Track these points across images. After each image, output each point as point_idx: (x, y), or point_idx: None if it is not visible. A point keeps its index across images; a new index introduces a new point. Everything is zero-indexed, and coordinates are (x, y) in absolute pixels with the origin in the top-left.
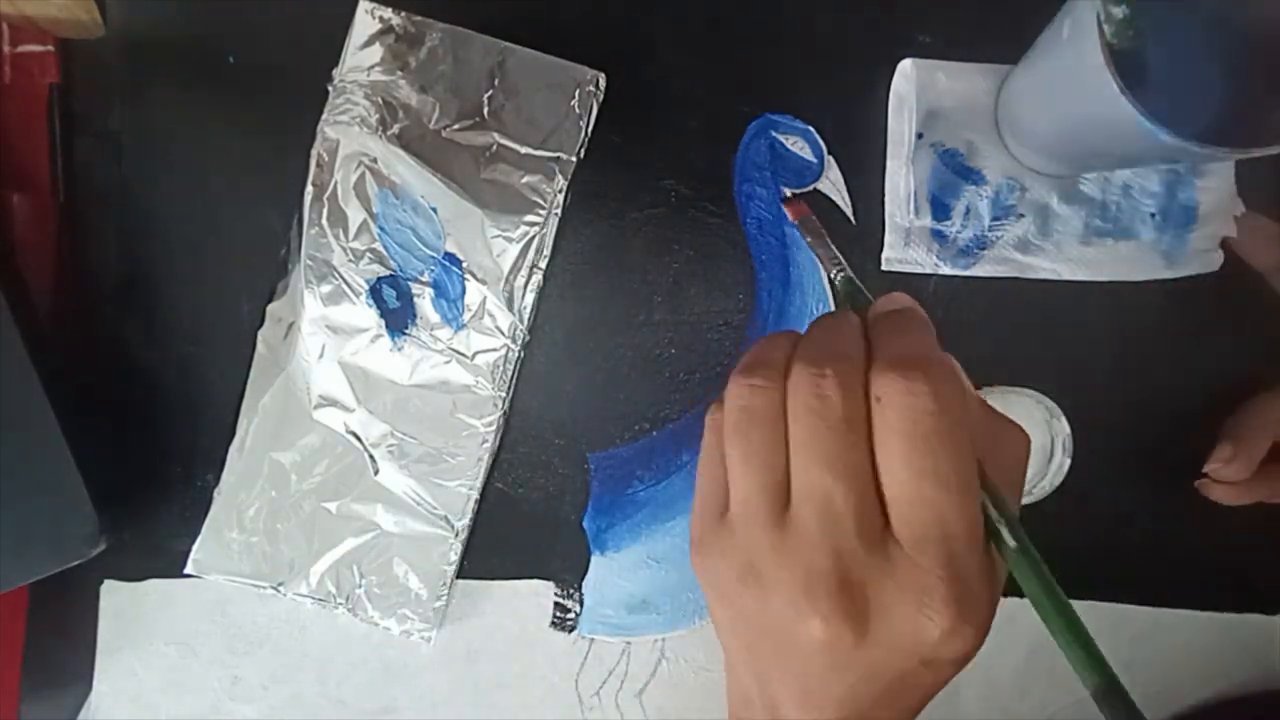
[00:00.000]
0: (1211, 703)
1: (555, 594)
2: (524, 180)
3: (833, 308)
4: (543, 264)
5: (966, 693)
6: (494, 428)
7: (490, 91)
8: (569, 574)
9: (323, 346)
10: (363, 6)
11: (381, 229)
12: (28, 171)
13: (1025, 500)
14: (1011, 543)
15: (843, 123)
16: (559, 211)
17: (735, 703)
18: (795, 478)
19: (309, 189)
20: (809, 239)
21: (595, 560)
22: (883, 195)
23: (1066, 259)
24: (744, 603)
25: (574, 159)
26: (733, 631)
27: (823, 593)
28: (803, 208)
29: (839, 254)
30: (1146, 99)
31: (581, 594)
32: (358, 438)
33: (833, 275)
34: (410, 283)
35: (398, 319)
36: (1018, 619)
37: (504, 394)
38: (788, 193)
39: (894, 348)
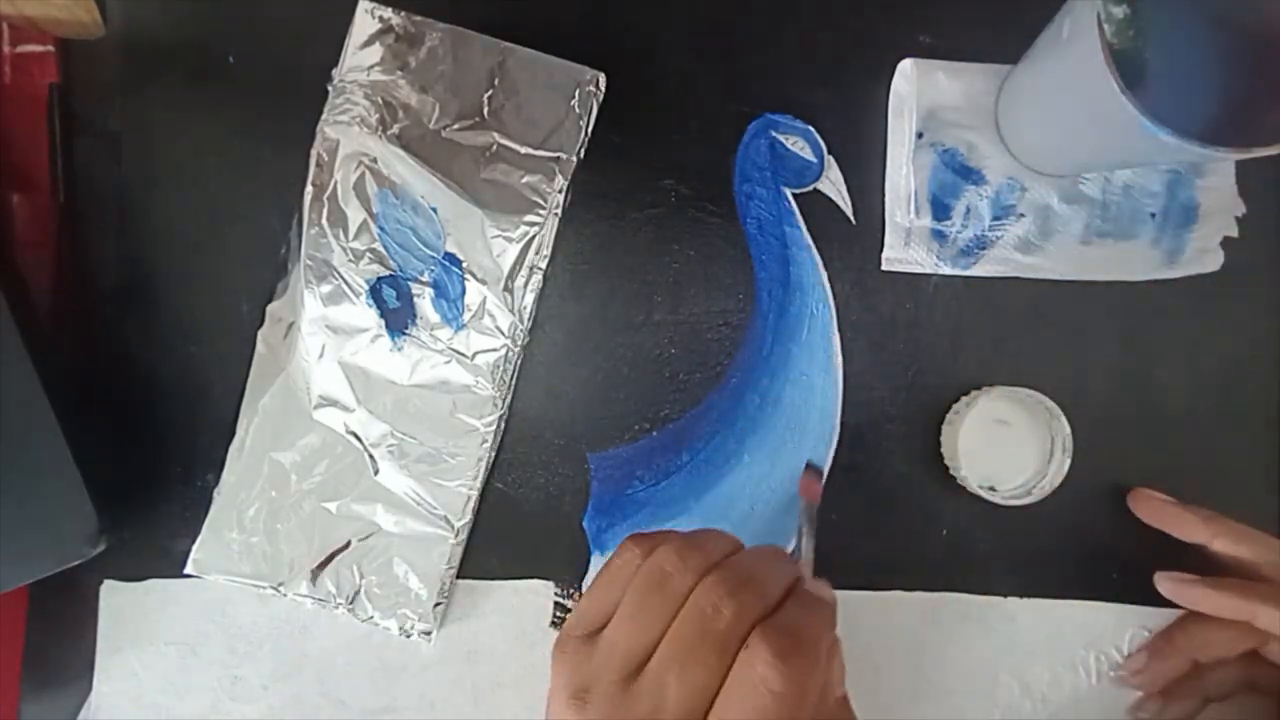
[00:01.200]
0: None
1: (555, 594)
2: (524, 180)
3: (833, 308)
4: (543, 264)
5: (966, 692)
6: (494, 428)
7: (490, 91)
8: (569, 574)
9: (323, 346)
10: (362, 6)
11: (381, 229)
12: (28, 171)
13: (1026, 500)
14: None
15: (843, 122)
16: (559, 211)
17: None
18: (657, 658)
19: (309, 189)
20: (802, 520)
21: (595, 560)
22: (883, 195)
23: (1067, 259)
24: (564, 713)
25: (574, 159)
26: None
27: None
28: (815, 490)
29: (813, 546)
30: (1146, 99)
31: (581, 594)
32: (358, 438)
33: (802, 546)
34: (410, 283)
35: (398, 319)
36: (1018, 619)
37: (504, 394)
38: (816, 475)
39: (793, 617)
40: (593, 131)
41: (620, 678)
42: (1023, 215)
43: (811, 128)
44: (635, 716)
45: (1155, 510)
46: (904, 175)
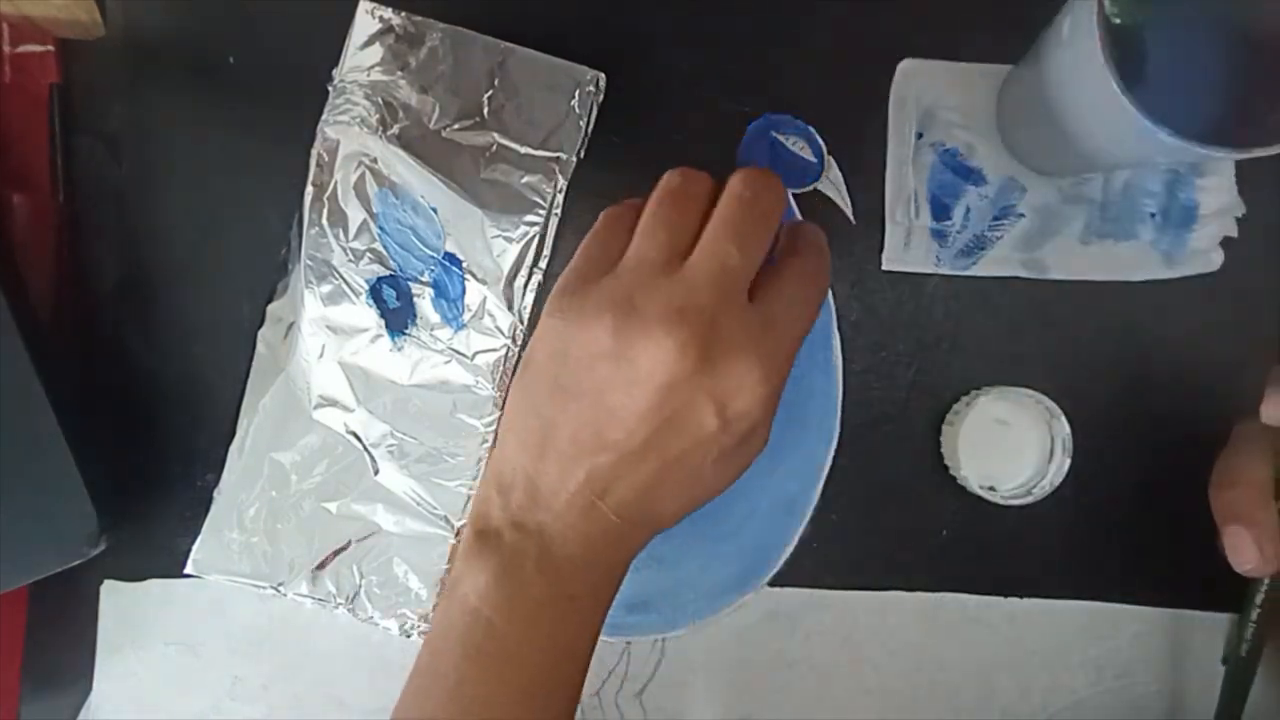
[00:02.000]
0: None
1: None
2: (524, 180)
3: (833, 308)
4: (543, 264)
5: (966, 693)
6: (494, 428)
7: (490, 91)
8: None
9: (323, 346)
10: (363, 6)
11: (381, 229)
12: (28, 171)
13: (1026, 500)
14: None
15: (843, 122)
16: (559, 211)
17: (488, 491)
18: (703, 244)
19: (309, 189)
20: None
21: None
22: (883, 195)
23: (1066, 259)
24: (591, 333)
25: (574, 159)
26: (546, 367)
27: (692, 319)
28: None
29: None
30: (1146, 99)
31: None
32: (358, 438)
33: None
34: (410, 283)
35: (398, 319)
36: (1018, 619)
37: (504, 394)
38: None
39: (811, 234)
40: (593, 132)
41: (665, 269)
42: (1022, 215)
43: (811, 128)
44: (698, 287)
45: None
46: (904, 175)
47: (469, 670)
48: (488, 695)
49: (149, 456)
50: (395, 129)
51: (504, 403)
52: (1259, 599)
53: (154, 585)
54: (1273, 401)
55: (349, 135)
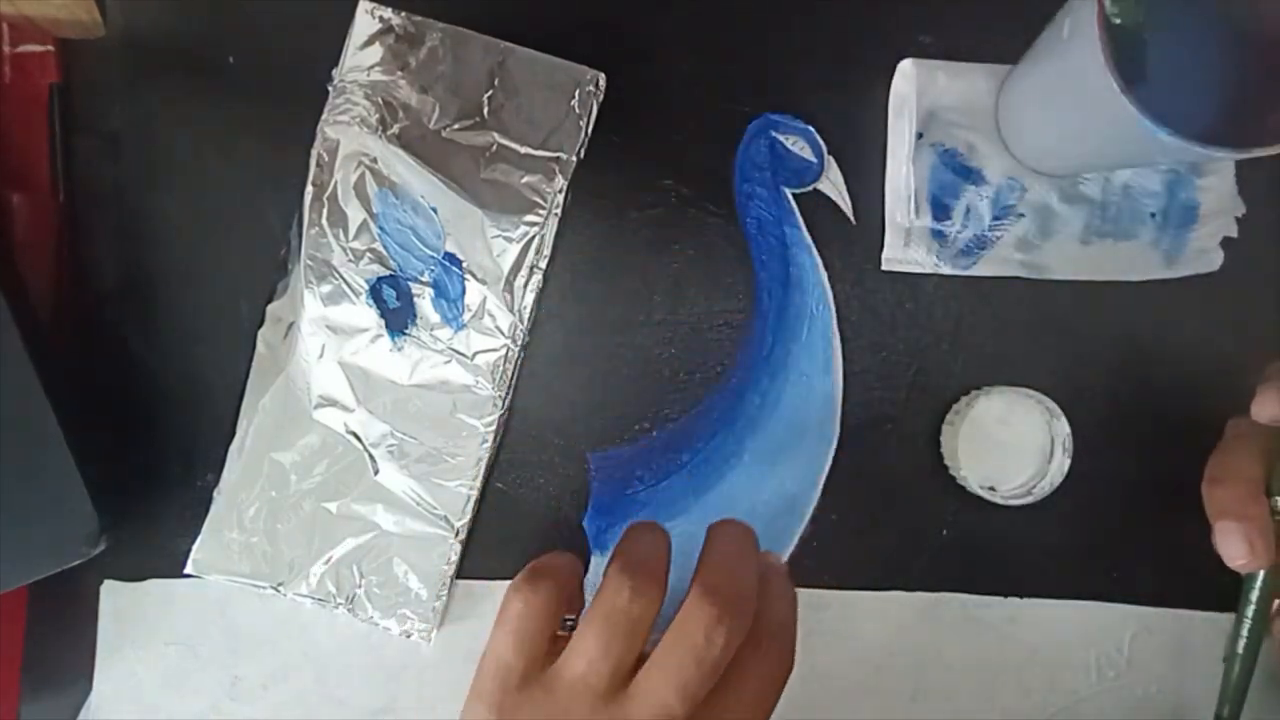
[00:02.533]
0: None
1: None
2: (524, 180)
3: (833, 308)
4: (543, 264)
5: (966, 693)
6: (494, 428)
7: (490, 91)
8: None
9: (323, 346)
10: (363, 6)
11: (381, 229)
12: (27, 171)
13: (1026, 500)
14: None
15: (843, 123)
16: (559, 211)
17: None
18: (644, 685)
19: (309, 189)
20: None
21: (595, 560)
22: (883, 195)
23: (1066, 259)
24: None
25: (574, 159)
26: None
27: None
28: None
29: None
30: (1146, 99)
31: (581, 594)
32: (358, 438)
33: None
34: (410, 283)
35: (398, 319)
36: (1018, 619)
37: (504, 394)
38: None
39: (775, 613)
40: (593, 131)
41: (606, 699)
42: (1022, 215)
43: (811, 128)
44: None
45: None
46: (904, 175)
47: None
48: None
49: (149, 456)
50: (395, 129)
51: None
52: (1254, 595)
53: (154, 585)
54: (1263, 399)
55: (349, 135)
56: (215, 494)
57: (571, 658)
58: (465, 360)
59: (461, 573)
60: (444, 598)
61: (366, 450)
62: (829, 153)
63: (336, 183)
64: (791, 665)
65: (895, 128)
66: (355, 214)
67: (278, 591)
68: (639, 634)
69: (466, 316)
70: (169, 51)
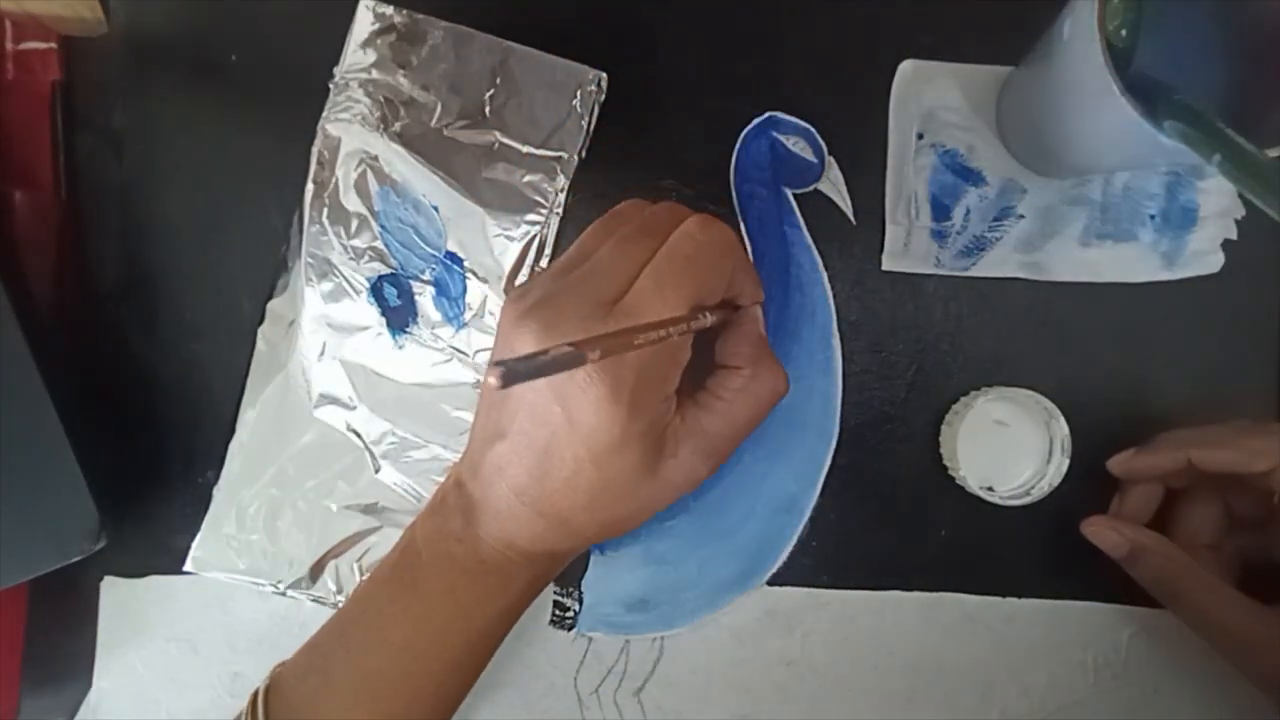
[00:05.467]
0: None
1: (554, 592)
2: (525, 179)
3: (833, 308)
4: (544, 263)
5: (965, 692)
6: None
7: (492, 90)
8: (568, 572)
9: (323, 344)
10: (364, 4)
11: (383, 227)
12: (30, 168)
13: (1025, 501)
14: None
15: (844, 123)
16: (560, 210)
17: (469, 444)
18: (636, 289)
19: (310, 186)
20: None
21: (595, 559)
22: (883, 195)
23: (1066, 260)
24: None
25: (575, 158)
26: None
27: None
28: None
29: None
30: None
31: (580, 592)
32: (358, 435)
33: None
34: (411, 281)
35: (399, 317)
36: (1017, 619)
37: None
38: None
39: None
40: (594, 131)
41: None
42: (1022, 216)
43: (812, 128)
44: (565, 283)
45: (1127, 467)
46: (904, 176)
47: (383, 589)
48: (392, 615)
49: (149, 453)
50: (396, 127)
51: None
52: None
53: (154, 582)
54: (1130, 459)
55: (350, 133)
56: (215, 491)
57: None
58: (466, 359)
59: None
60: None
61: (367, 448)
62: (830, 153)
63: (338, 180)
64: (784, 383)
65: (896, 128)
66: (356, 212)
67: (277, 589)
68: (708, 262)
69: (468, 315)
70: (171, 49)
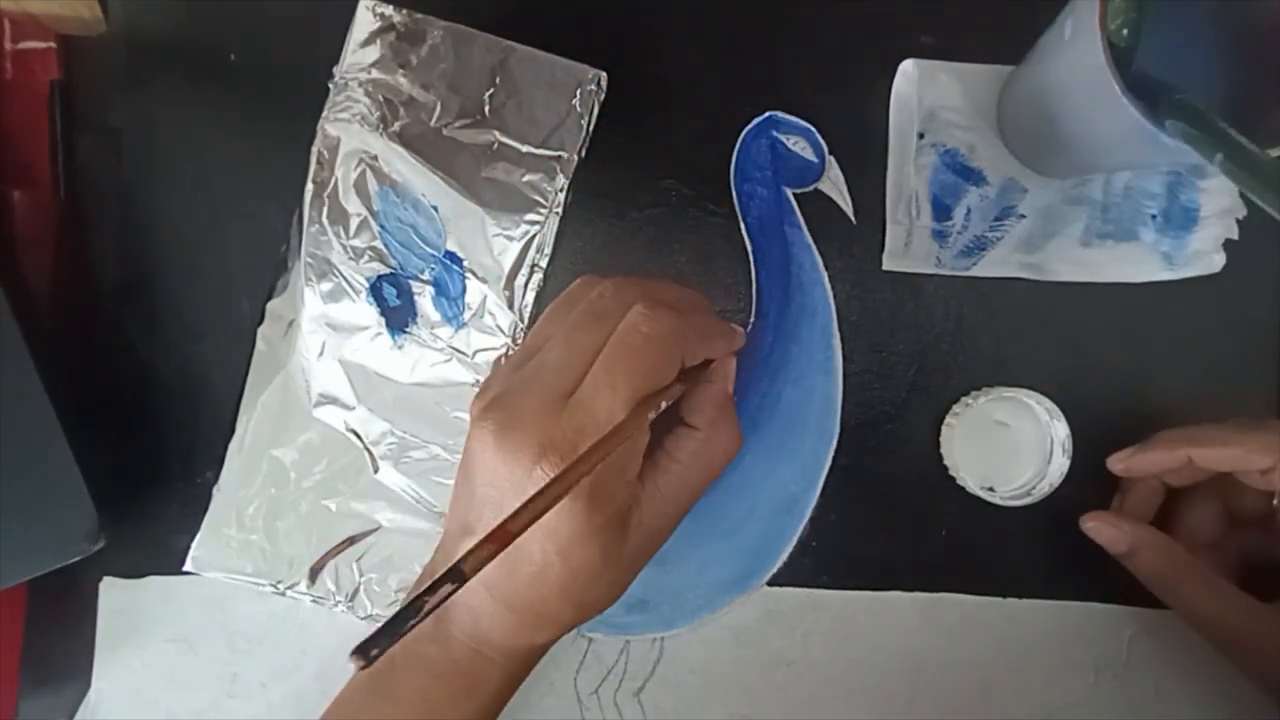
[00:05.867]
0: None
1: None
2: (525, 179)
3: (833, 308)
4: (543, 263)
5: (965, 693)
6: None
7: (491, 90)
8: None
9: (323, 344)
10: (364, 4)
11: (382, 227)
12: (28, 168)
13: (1025, 501)
14: None
15: (844, 122)
16: (560, 210)
17: (451, 534)
18: (586, 385)
19: (309, 186)
20: None
21: None
22: (884, 195)
23: (1067, 260)
24: (474, 428)
25: (575, 158)
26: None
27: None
28: None
29: None
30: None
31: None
32: (357, 435)
33: None
34: (411, 281)
35: (398, 317)
36: (1017, 619)
37: None
38: None
39: (674, 296)
40: (594, 130)
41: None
42: (1023, 216)
43: (813, 128)
44: (520, 378)
45: (1127, 465)
46: (905, 175)
47: (356, 696)
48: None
49: (148, 453)
50: (396, 126)
51: None
52: None
53: (153, 582)
54: (1130, 458)
55: (350, 132)
56: (215, 491)
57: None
58: (465, 359)
59: None
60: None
61: (366, 448)
62: (830, 153)
63: (337, 180)
64: (736, 446)
65: (896, 128)
66: (356, 212)
67: (277, 589)
68: (656, 352)
69: (467, 315)
70: (170, 49)
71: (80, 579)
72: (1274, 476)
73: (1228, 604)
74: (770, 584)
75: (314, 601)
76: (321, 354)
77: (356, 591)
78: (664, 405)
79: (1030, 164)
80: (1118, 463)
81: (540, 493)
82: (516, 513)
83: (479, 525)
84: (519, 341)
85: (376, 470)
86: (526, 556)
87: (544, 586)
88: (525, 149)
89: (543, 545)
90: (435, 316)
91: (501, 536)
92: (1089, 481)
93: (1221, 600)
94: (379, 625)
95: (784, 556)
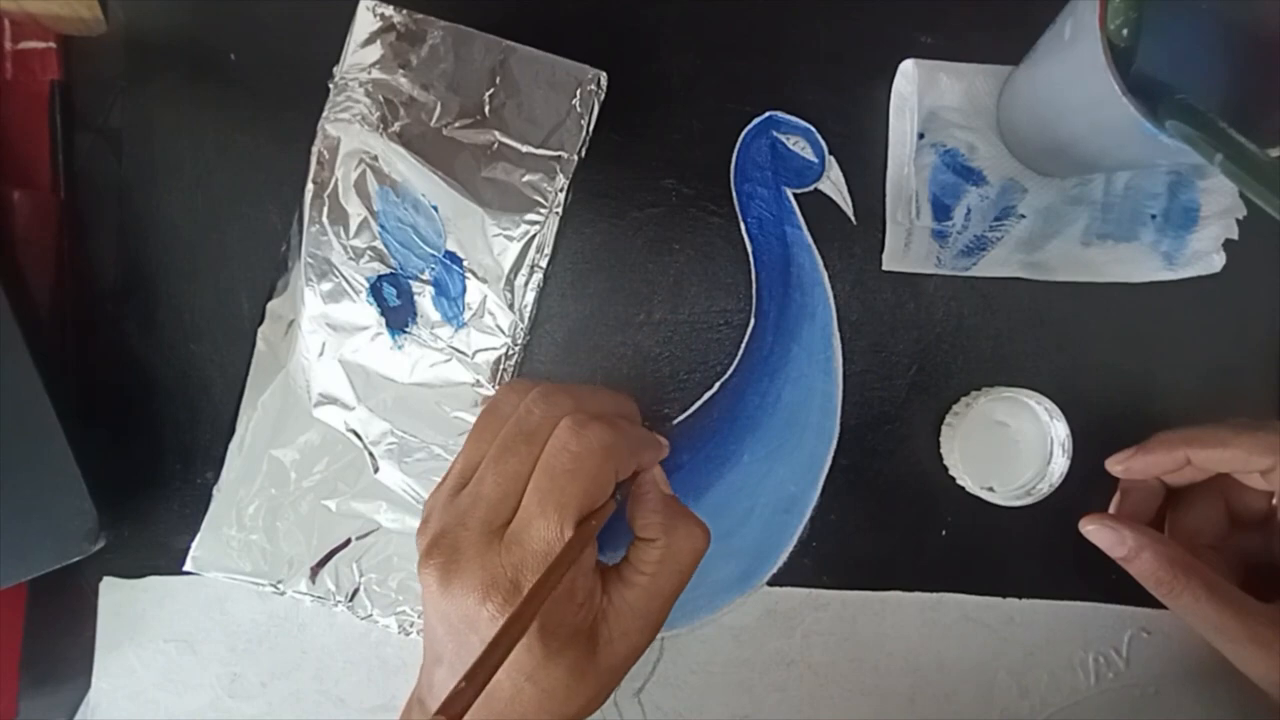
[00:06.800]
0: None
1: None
2: (525, 179)
3: (833, 308)
4: (543, 263)
5: (965, 693)
6: None
7: (491, 90)
8: None
9: (323, 344)
10: (364, 4)
11: (382, 227)
12: (28, 168)
13: (1025, 501)
14: None
15: (844, 122)
16: (560, 210)
17: (427, 663)
18: (523, 507)
19: (309, 186)
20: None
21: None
22: (884, 195)
23: (1067, 260)
24: (423, 566)
25: (575, 158)
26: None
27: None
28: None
29: None
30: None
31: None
32: (357, 435)
33: None
34: (411, 281)
35: (398, 317)
36: (1017, 619)
37: None
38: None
39: (602, 405)
40: (594, 130)
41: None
42: (1023, 216)
43: (813, 128)
44: (456, 512)
45: (1126, 466)
46: (905, 176)
47: None
48: None
49: (148, 453)
50: (396, 126)
51: None
52: None
53: (153, 582)
54: (1129, 459)
55: (350, 133)
56: (215, 491)
57: (473, 485)
58: (465, 359)
59: None
60: None
61: (366, 448)
62: (830, 153)
63: (337, 180)
64: (703, 541)
65: (896, 128)
66: (356, 212)
67: (277, 589)
68: (587, 473)
69: (467, 315)
70: (170, 49)
71: (80, 579)
72: (1274, 476)
73: (1229, 605)
74: (770, 584)
75: (314, 601)
76: (321, 354)
77: (356, 591)
78: (607, 514)
79: (1030, 164)
80: (1116, 464)
81: (495, 642)
82: (479, 662)
83: (445, 657)
84: (519, 342)
85: (376, 470)
86: (497, 686)
87: (521, 708)
88: (525, 149)
89: (510, 675)
90: (435, 316)
91: (473, 681)
92: (1089, 481)
93: (1223, 602)
94: None
95: (784, 556)
